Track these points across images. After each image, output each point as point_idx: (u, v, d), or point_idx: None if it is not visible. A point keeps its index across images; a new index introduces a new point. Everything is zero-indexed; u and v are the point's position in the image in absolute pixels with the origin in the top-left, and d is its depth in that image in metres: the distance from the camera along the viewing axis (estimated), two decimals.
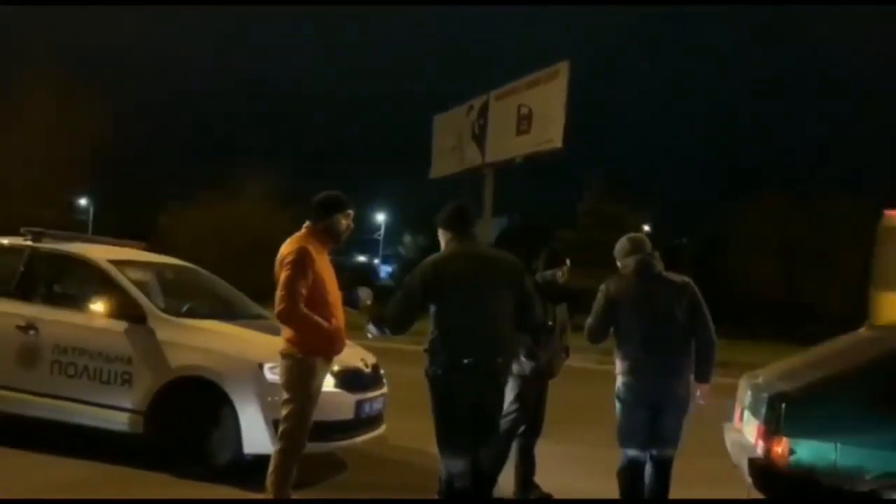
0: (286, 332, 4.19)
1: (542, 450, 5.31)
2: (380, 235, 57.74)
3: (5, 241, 6.05)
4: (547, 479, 5.30)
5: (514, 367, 5.09)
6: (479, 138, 23.14)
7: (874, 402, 4.25)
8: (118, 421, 5.14)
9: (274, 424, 4.67)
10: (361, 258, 60.80)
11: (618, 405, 4.48)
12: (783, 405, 4.32)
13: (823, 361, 4.96)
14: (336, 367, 5.20)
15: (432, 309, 3.98)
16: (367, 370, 5.55)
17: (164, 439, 5.06)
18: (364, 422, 5.35)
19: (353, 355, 5.64)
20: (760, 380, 4.92)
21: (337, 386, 5.16)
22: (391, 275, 52.03)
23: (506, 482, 5.21)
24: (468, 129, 23.65)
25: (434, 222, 4.24)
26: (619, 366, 4.48)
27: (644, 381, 4.35)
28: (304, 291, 4.07)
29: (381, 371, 5.79)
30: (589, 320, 4.54)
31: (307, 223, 4.34)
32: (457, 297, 3.94)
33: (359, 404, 5.27)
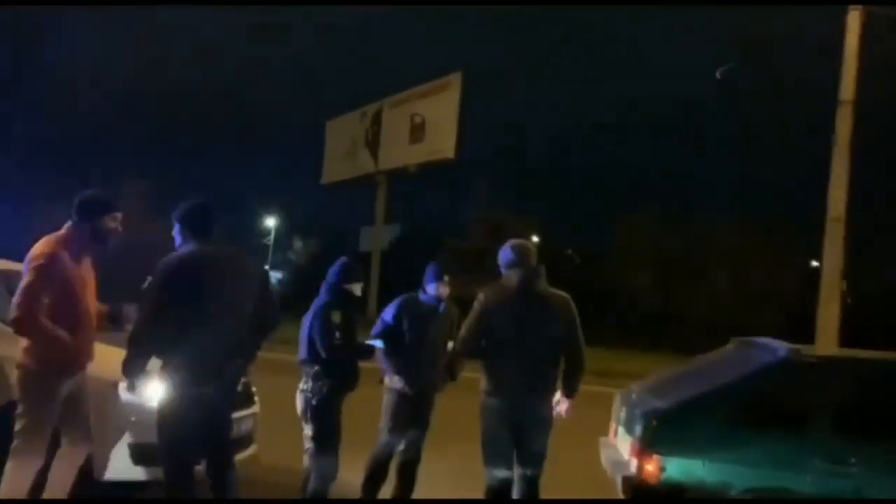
0: (23, 341, 3.89)
1: (421, 466, 5.14)
2: (269, 241, 56.23)
3: None
4: (427, 495, 5.15)
5: (387, 381, 4.93)
6: (373, 145, 23.02)
7: (739, 418, 4.35)
8: None
9: (135, 448, 4.34)
10: None
11: (482, 423, 4.32)
12: (655, 422, 4.35)
13: (694, 377, 5.07)
14: None
15: (174, 310, 3.69)
16: (238, 388, 5.19)
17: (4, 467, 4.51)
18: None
19: None
20: (634, 396, 4.96)
21: None
22: (280, 281, 50.81)
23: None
24: (361, 135, 23.46)
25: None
26: (484, 382, 4.30)
27: (510, 399, 4.21)
28: (45, 300, 3.78)
29: (254, 389, 5.46)
30: (461, 331, 4.35)
31: (68, 223, 4.03)
32: (205, 297, 3.72)
33: None
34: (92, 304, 4.09)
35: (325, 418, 4.33)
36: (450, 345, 5.10)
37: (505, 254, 4.40)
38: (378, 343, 4.60)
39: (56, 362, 3.90)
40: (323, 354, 4.27)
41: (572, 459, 5.98)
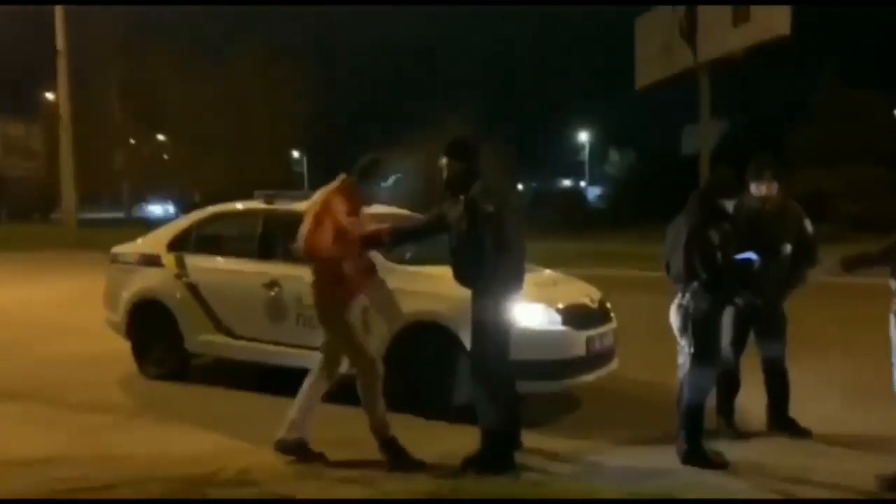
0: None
1: (793, 378, 5.06)
2: (584, 157, 56.67)
3: (240, 205, 6.71)
4: (805, 410, 5.07)
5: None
6: (690, 36, 21.66)
7: None
8: None
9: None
10: (566, 182, 60.32)
11: None
12: None
13: None
14: (561, 305, 5.30)
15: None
16: (594, 305, 5.58)
17: (403, 383, 5.35)
18: (595, 358, 5.41)
19: (578, 291, 5.70)
20: None
21: (564, 323, 5.26)
22: (601, 197, 51.11)
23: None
24: (675, 28, 22.20)
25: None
26: None
27: None
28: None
29: (608, 305, 5.79)
30: None
31: (342, 176, 4.59)
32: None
33: (589, 341, 5.33)
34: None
35: (706, 333, 4.44)
36: (787, 248, 4.81)
37: None
38: (752, 255, 4.50)
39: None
40: (703, 276, 4.36)
41: None
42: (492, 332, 4.37)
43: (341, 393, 4.75)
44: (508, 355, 4.51)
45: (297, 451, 4.51)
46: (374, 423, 4.52)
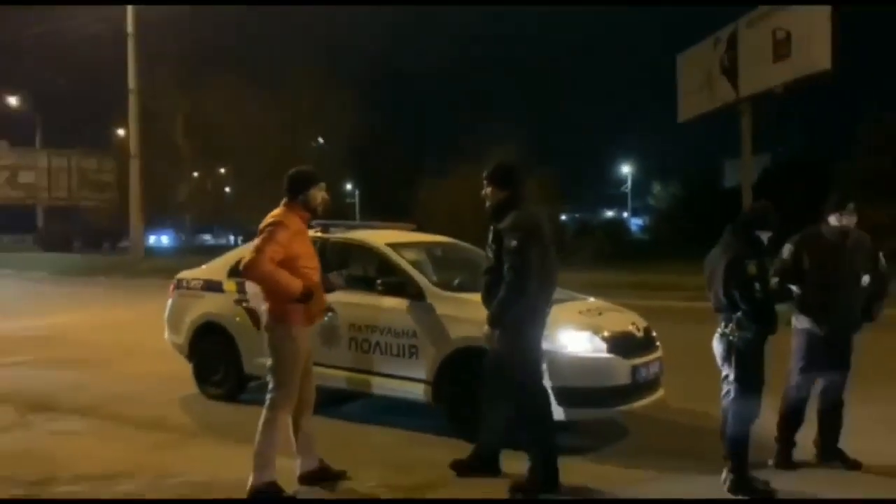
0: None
1: (845, 411, 4.91)
2: (627, 188, 56.24)
3: None
4: (855, 443, 4.89)
5: (794, 321, 4.81)
6: (731, 71, 21.50)
7: None
8: (409, 390, 5.59)
9: (555, 391, 4.82)
10: (609, 213, 59.80)
11: None
12: None
13: None
14: (606, 333, 5.23)
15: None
16: (639, 334, 5.49)
17: (451, 407, 5.41)
18: (641, 386, 5.30)
19: (623, 320, 5.61)
20: None
21: (610, 351, 5.18)
22: (643, 228, 50.45)
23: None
24: (716, 63, 22.09)
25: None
26: None
27: None
28: (275, 257, 4.13)
29: (654, 334, 5.68)
30: None
31: (284, 200, 4.37)
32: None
33: (634, 369, 5.22)
34: (316, 273, 4.43)
35: (750, 363, 4.35)
36: (865, 279, 4.73)
37: None
38: (795, 287, 4.40)
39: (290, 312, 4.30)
40: (743, 306, 4.29)
41: None
42: (517, 361, 4.44)
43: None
44: (539, 382, 4.54)
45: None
46: (257, 459, 4.23)
